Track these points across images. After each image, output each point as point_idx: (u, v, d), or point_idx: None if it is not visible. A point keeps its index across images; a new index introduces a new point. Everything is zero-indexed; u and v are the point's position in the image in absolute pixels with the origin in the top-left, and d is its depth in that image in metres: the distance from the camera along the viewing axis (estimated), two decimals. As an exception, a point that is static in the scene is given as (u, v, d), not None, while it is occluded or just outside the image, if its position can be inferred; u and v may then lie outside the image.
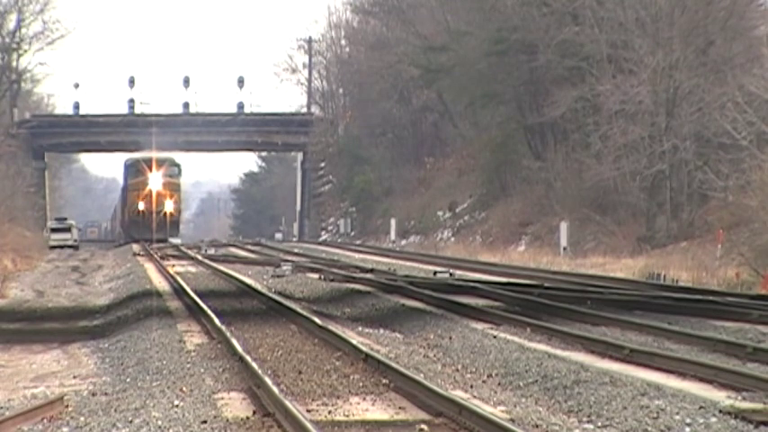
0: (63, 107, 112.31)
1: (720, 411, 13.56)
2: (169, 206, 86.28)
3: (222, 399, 15.04)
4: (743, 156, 44.87)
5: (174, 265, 48.41)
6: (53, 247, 78.42)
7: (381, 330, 23.72)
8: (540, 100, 66.60)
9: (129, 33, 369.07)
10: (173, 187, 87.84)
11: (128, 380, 17.50)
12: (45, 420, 13.95)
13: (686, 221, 51.71)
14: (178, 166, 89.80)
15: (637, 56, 54.79)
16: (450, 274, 38.70)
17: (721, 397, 14.63)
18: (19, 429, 13.48)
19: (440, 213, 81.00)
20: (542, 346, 19.72)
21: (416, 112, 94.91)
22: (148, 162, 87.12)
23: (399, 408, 14.27)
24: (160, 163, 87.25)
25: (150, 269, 46.66)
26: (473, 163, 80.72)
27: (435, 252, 61.92)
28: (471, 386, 16.10)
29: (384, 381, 15.97)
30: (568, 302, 26.43)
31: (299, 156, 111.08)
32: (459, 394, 14.66)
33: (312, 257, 54.31)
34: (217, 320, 22.87)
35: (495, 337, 21.20)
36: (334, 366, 17.63)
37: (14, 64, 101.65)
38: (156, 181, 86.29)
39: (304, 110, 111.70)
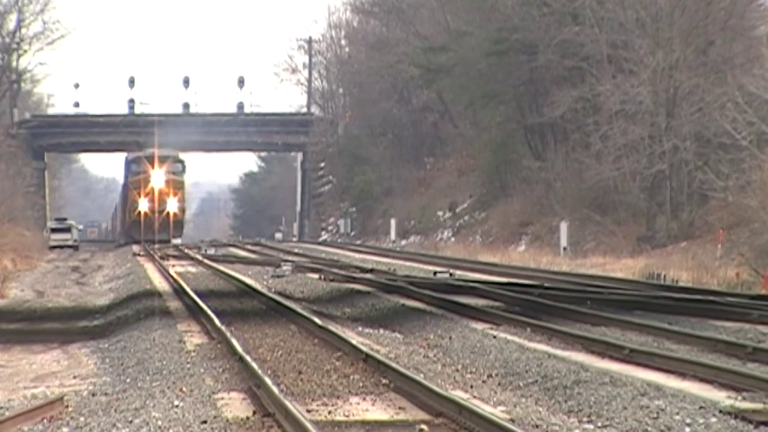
0: (63, 107, 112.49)
1: (720, 411, 13.55)
2: (172, 205, 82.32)
3: (222, 399, 15.02)
4: (743, 156, 44.87)
5: (174, 266, 48.42)
6: (53, 247, 78.28)
7: (381, 330, 23.72)
8: (540, 100, 66.60)
9: (129, 33, 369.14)
10: (176, 185, 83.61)
11: (128, 380, 17.50)
12: (45, 420, 13.94)
13: (686, 221, 51.70)
14: (182, 162, 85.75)
15: (637, 56, 54.78)
16: (450, 274, 38.66)
17: (721, 397, 14.62)
18: (19, 429, 13.47)
19: (440, 213, 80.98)
20: (542, 347, 19.71)
21: (416, 112, 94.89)
22: (150, 158, 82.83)
23: (399, 408, 14.25)
24: (163, 159, 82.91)
25: (150, 269, 46.68)
26: (473, 163, 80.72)
27: (435, 252, 61.90)
28: (471, 386, 16.09)
29: (384, 381, 15.96)
30: (568, 302, 26.42)
31: (299, 156, 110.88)
32: (459, 394, 14.65)
33: (312, 257, 54.31)
34: (217, 320, 22.86)
35: (495, 337, 21.19)
36: (334, 366, 17.62)
37: (14, 64, 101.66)
38: (158, 178, 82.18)
39: (304, 110, 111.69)
